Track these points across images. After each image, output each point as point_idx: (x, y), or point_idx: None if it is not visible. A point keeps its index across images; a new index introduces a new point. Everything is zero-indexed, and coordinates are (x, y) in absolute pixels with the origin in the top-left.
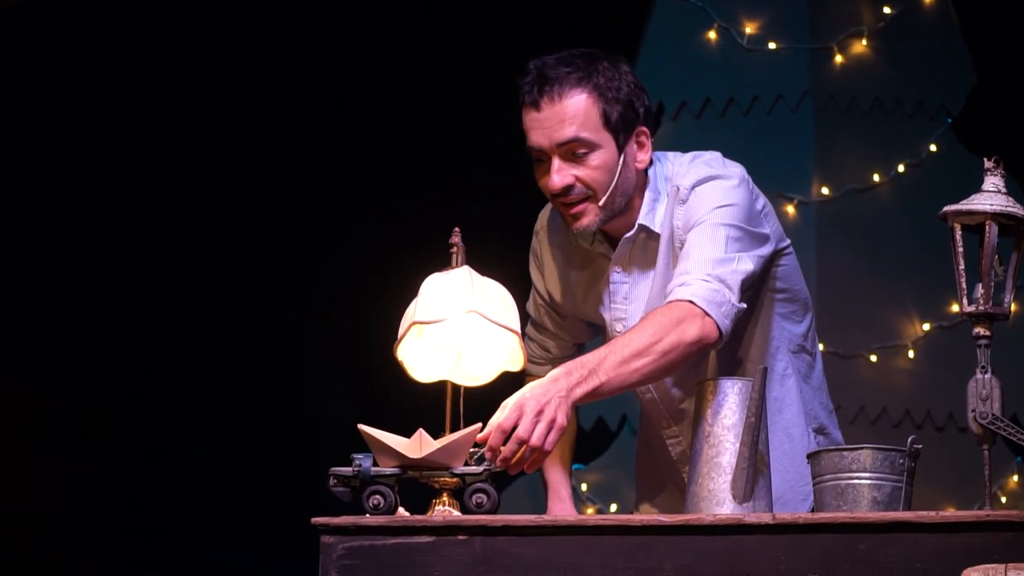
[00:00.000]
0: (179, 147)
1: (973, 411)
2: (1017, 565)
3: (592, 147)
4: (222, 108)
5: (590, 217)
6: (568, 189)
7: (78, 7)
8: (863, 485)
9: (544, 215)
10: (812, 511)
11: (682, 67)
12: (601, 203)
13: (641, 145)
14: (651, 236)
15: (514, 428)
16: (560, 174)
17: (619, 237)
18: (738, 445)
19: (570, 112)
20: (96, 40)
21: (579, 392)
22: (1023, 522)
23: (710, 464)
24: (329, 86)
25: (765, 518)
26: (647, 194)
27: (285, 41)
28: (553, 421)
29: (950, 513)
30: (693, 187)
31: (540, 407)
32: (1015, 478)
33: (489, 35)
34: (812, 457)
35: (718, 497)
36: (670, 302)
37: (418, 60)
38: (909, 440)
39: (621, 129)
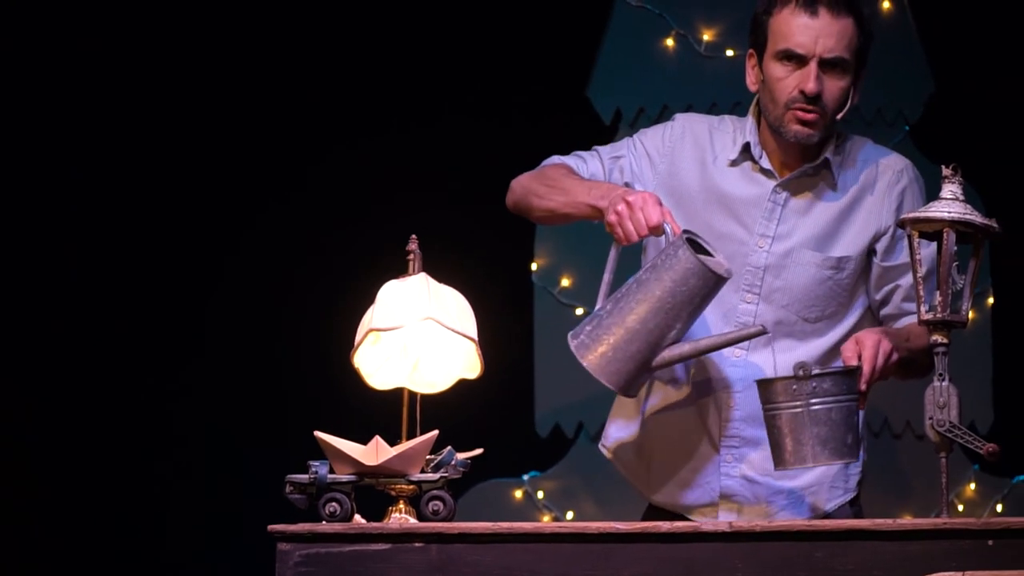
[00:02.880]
0: (139, 162)
1: (931, 419)
2: (975, 573)
3: (847, 70)
4: (181, 121)
5: (816, 129)
6: (817, 97)
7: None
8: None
9: (693, 120)
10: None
11: (640, 73)
12: (828, 121)
13: (858, 86)
14: (823, 173)
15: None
16: (818, 81)
17: (778, 161)
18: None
19: (844, 31)
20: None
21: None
22: (980, 530)
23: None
24: (287, 96)
25: (722, 526)
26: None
27: (242, 55)
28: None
29: (907, 521)
30: (916, 174)
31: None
32: (972, 486)
33: (446, 44)
34: (763, 384)
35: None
36: None
37: (376, 70)
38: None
39: (862, 64)
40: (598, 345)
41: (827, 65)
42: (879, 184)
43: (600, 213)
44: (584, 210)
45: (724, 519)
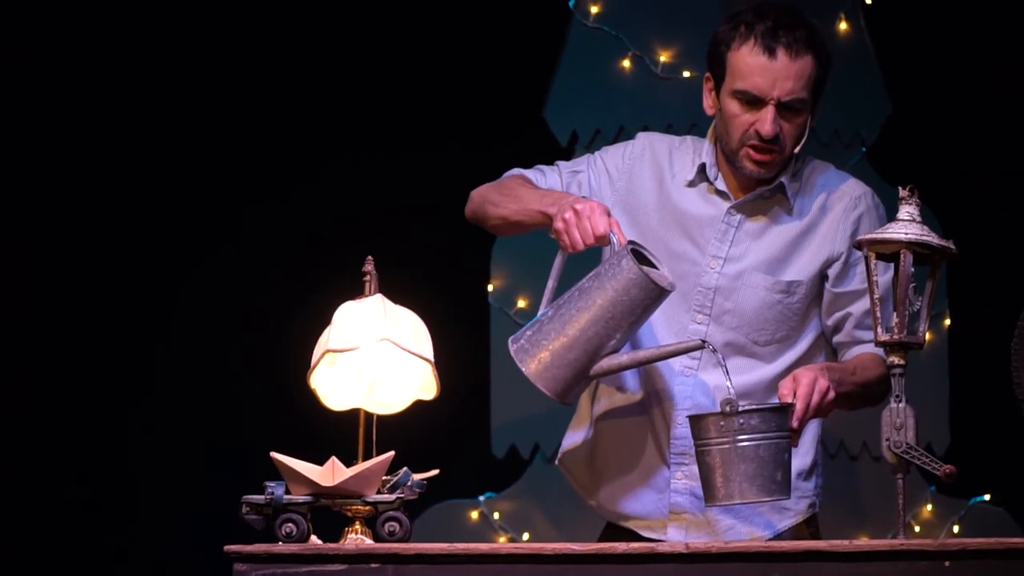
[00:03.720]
0: (98, 184)
1: (887, 440)
2: None
3: (805, 107)
4: (143, 144)
5: (771, 168)
6: (775, 138)
7: None
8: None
9: (654, 139)
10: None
11: (596, 95)
12: (785, 156)
13: (815, 114)
14: (778, 197)
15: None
16: (775, 124)
17: (733, 183)
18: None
19: (803, 71)
20: None
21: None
22: (937, 551)
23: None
24: (248, 121)
25: (679, 547)
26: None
27: (200, 78)
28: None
29: (864, 542)
30: (875, 202)
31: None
32: (929, 507)
33: (401, 66)
34: (693, 420)
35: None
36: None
37: (334, 95)
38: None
39: (819, 95)
40: (537, 351)
41: (785, 107)
42: (835, 210)
43: (550, 220)
44: (535, 217)
45: (672, 534)
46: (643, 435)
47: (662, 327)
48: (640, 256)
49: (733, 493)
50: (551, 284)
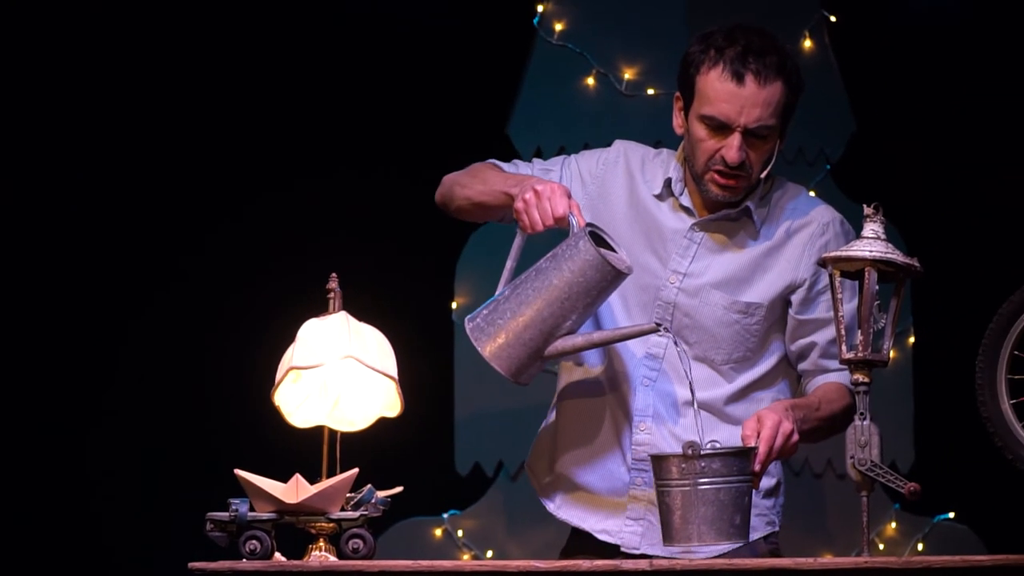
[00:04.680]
0: (62, 201)
1: (852, 458)
2: None
3: (772, 134)
4: (103, 158)
5: (736, 193)
6: (741, 165)
7: None
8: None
9: (629, 148)
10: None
11: (561, 112)
12: (751, 181)
13: (784, 137)
14: (743, 219)
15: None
16: (741, 151)
17: (699, 201)
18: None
19: (771, 98)
20: None
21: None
22: (901, 569)
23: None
24: (214, 136)
25: (642, 564)
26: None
27: (165, 98)
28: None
29: (828, 560)
30: (843, 229)
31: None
32: (893, 525)
33: (366, 81)
34: (655, 460)
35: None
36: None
37: (298, 111)
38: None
39: (788, 120)
40: (493, 330)
41: (751, 134)
42: (802, 235)
43: (512, 200)
44: (499, 198)
45: (629, 539)
46: (606, 445)
47: (629, 340)
48: (599, 239)
49: (691, 535)
50: (509, 265)
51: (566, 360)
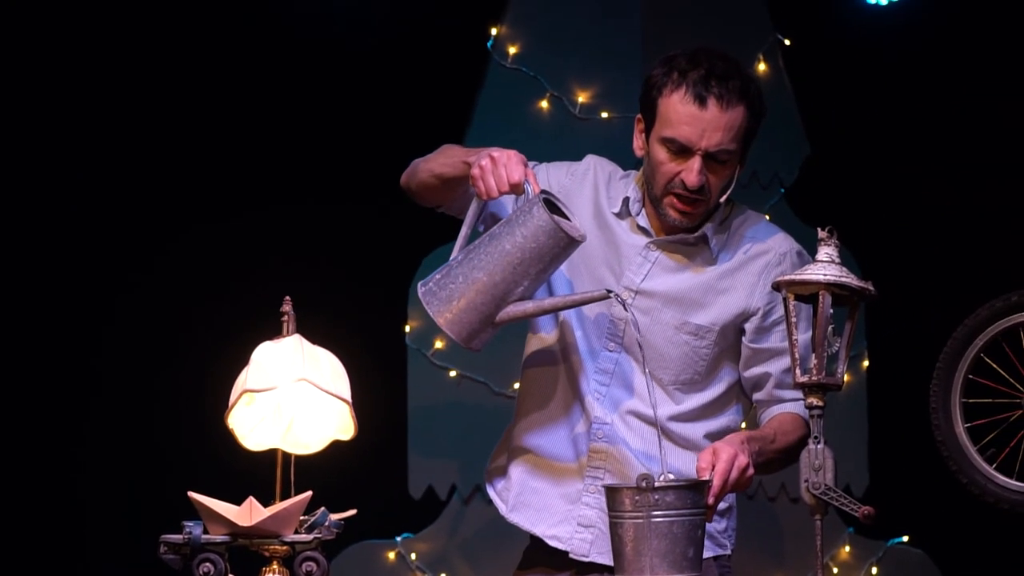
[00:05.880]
0: (15, 225)
1: (806, 481)
2: None
3: (733, 158)
4: (56, 181)
5: (694, 218)
6: (700, 189)
7: None
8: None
9: (599, 164)
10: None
11: (515, 135)
12: (709, 206)
13: (744, 162)
14: (700, 244)
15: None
16: (701, 175)
17: (656, 222)
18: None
19: (733, 123)
20: None
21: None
22: None
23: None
24: (166, 159)
25: None
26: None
27: (121, 115)
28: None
29: None
30: (797, 255)
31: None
32: (847, 548)
33: (320, 104)
34: (609, 491)
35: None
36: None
37: (254, 135)
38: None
39: (748, 145)
40: (445, 294)
41: (711, 158)
42: (758, 263)
43: (470, 168)
44: (459, 168)
45: (579, 546)
46: (560, 452)
47: (583, 351)
48: (553, 207)
49: (644, 568)
50: (464, 231)
51: (526, 366)
